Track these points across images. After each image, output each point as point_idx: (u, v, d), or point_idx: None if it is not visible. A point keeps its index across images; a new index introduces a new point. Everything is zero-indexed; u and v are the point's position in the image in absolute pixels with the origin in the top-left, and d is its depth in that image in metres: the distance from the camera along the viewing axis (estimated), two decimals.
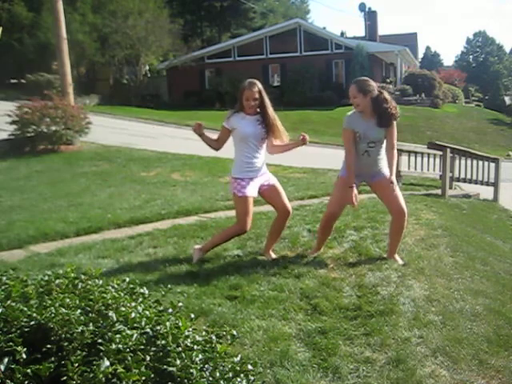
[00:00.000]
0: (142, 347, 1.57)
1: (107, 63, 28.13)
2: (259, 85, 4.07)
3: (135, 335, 1.57)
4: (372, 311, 3.27)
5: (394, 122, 4.10)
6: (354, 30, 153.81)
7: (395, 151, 4.15)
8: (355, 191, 4.09)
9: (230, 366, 1.66)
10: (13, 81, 25.75)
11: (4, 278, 1.92)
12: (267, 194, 4.28)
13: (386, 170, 4.21)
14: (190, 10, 37.86)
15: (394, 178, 4.09)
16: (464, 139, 22.50)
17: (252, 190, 4.11)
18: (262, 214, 5.86)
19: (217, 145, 4.23)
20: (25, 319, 1.61)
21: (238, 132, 4.08)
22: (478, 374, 2.66)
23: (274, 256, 4.36)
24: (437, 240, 5.01)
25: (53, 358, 1.50)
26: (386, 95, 4.07)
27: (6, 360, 1.43)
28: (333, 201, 4.33)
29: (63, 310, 1.63)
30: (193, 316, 1.92)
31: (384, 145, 4.16)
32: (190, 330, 1.71)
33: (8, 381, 1.40)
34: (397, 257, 4.29)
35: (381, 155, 4.19)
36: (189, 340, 1.66)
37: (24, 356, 1.46)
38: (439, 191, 8.68)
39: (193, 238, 5.01)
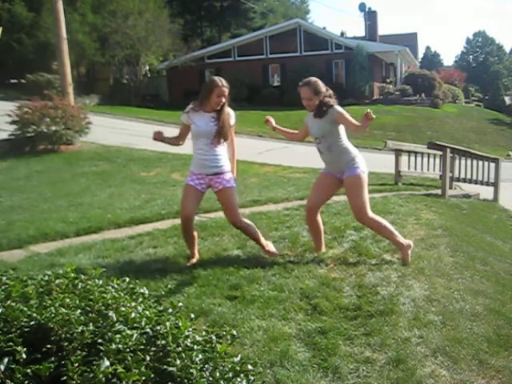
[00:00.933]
0: (142, 347, 1.57)
1: (107, 63, 28.12)
2: (227, 84, 4.12)
3: (135, 335, 1.57)
4: (372, 311, 3.27)
5: (336, 109, 4.02)
6: (354, 30, 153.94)
7: (356, 127, 3.95)
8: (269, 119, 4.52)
9: (230, 366, 1.66)
10: (13, 81, 25.74)
11: (4, 278, 1.92)
12: (218, 198, 4.26)
13: (350, 169, 4.12)
14: (190, 10, 37.84)
15: (356, 177, 4.09)
16: (464, 139, 22.49)
17: (196, 182, 4.14)
18: (262, 214, 5.86)
19: (178, 141, 4.32)
20: (25, 319, 1.61)
21: (192, 128, 4.14)
22: (478, 374, 2.66)
23: (270, 249, 4.35)
24: (437, 240, 5.01)
25: (53, 358, 1.50)
26: (330, 92, 4.18)
27: (5, 360, 1.43)
28: (310, 193, 4.51)
29: (63, 310, 1.62)
30: (193, 316, 1.92)
31: (339, 141, 4.09)
32: (190, 330, 1.71)
33: (8, 381, 1.40)
34: (405, 251, 4.21)
35: (334, 152, 4.12)
36: (189, 340, 1.66)
37: (24, 356, 1.46)
38: (439, 191, 8.68)
39: None
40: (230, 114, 4.15)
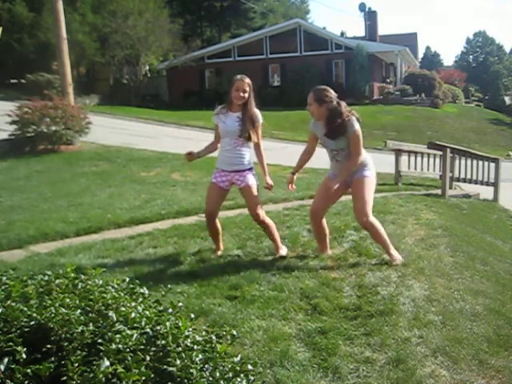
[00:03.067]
0: (142, 347, 1.57)
1: (107, 63, 28.12)
2: (249, 81, 4.25)
3: (135, 335, 1.57)
4: (372, 311, 3.27)
5: (351, 133, 3.98)
6: (354, 30, 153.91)
7: (357, 160, 4.04)
8: (290, 176, 4.40)
9: (230, 366, 1.66)
10: (13, 81, 25.74)
11: (4, 278, 1.92)
12: (241, 194, 4.41)
13: (362, 172, 4.13)
14: (190, 10, 37.85)
15: (366, 177, 4.09)
16: (464, 139, 22.49)
17: (219, 181, 4.32)
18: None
19: (215, 145, 4.49)
20: (25, 319, 1.60)
21: (220, 127, 4.30)
22: (478, 374, 2.66)
23: (282, 253, 4.36)
24: (437, 240, 5.01)
25: (53, 358, 1.50)
26: (343, 108, 4.03)
27: (5, 360, 1.43)
28: (314, 197, 4.47)
29: (63, 310, 1.62)
30: (193, 316, 1.92)
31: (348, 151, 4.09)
32: (190, 330, 1.71)
33: (8, 381, 1.40)
34: (393, 256, 4.16)
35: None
36: (189, 340, 1.66)
37: (24, 356, 1.46)
38: (439, 191, 8.68)
39: (193, 237, 5.01)
40: (256, 115, 4.25)
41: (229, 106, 4.27)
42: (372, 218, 4.12)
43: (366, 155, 4.19)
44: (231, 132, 4.22)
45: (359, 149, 4.04)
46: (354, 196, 4.19)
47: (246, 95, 4.17)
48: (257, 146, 4.35)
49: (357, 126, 3.99)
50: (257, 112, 4.26)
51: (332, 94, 4.07)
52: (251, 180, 4.29)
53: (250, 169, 4.33)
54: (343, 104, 4.07)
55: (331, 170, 4.33)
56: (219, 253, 4.44)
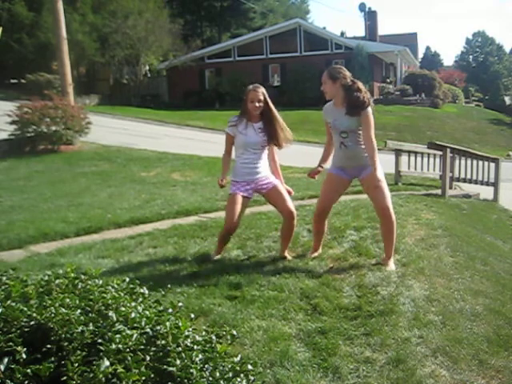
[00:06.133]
0: (142, 347, 1.57)
1: (107, 63, 28.12)
2: (263, 89, 4.19)
3: (135, 335, 1.57)
4: (372, 311, 3.27)
5: (368, 112, 3.97)
6: (354, 30, 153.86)
7: (373, 143, 3.97)
8: (319, 169, 4.25)
9: (229, 366, 1.66)
10: (13, 81, 25.77)
11: (4, 278, 1.92)
12: (270, 197, 4.31)
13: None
14: (190, 10, 37.86)
15: (378, 173, 3.96)
16: (464, 139, 22.49)
17: (242, 190, 4.18)
18: (262, 214, 5.86)
19: (229, 157, 4.34)
20: (25, 319, 1.61)
21: (239, 139, 4.18)
22: (478, 374, 2.66)
23: (289, 257, 4.35)
24: (437, 240, 5.01)
25: (53, 358, 1.50)
26: (360, 85, 4.03)
27: (5, 360, 1.43)
28: (319, 198, 4.36)
29: (63, 310, 1.62)
30: (193, 316, 1.92)
31: (358, 138, 4.04)
32: (190, 330, 1.71)
33: (8, 381, 1.40)
34: (390, 262, 4.14)
35: (360, 147, 4.05)
36: (189, 340, 1.66)
37: (24, 356, 1.46)
38: (439, 191, 8.67)
39: (193, 237, 5.01)
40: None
41: (248, 117, 4.16)
42: (392, 211, 4.12)
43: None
44: (254, 143, 4.16)
45: (372, 132, 3.98)
46: (372, 190, 4.07)
47: (262, 104, 4.12)
48: (273, 153, 4.36)
49: (370, 111, 4.00)
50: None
51: (346, 72, 4.07)
52: (274, 179, 4.29)
53: (270, 173, 4.34)
54: (359, 82, 4.06)
55: (334, 164, 4.22)
56: (218, 256, 4.38)
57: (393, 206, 5.37)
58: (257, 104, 4.09)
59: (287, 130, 4.27)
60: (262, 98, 4.11)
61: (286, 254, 4.36)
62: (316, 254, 4.36)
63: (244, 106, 4.16)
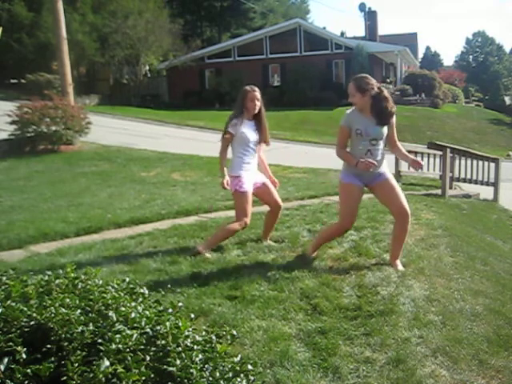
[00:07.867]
0: (142, 347, 1.57)
1: (107, 63, 28.13)
2: (258, 89, 4.52)
3: (135, 335, 1.57)
4: (372, 311, 3.27)
5: (394, 119, 4.08)
6: (354, 30, 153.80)
7: (400, 145, 4.24)
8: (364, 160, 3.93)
9: (229, 366, 1.66)
10: (13, 81, 25.77)
11: (4, 278, 1.92)
12: (260, 192, 4.61)
13: (386, 172, 4.12)
14: (190, 9, 37.88)
15: (390, 176, 4.11)
16: (464, 139, 22.49)
17: (250, 186, 4.47)
18: (262, 214, 5.84)
19: (226, 155, 4.57)
20: (25, 319, 1.61)
21: (241, 136, 4.41)
22: (478, 374, 2.66)
23: (271, 242, 4.72)
24: (437, 240, 5.01)
25: (53, 358, 1.50)
26: (386, 93, 3.98)
27: (5, 360, 1.43)
28: (344, 212, 4.14)
29: (63, 310, 1.62)
30: (193, 316, 1.92)
31: (382, 145, 4.08)
32: (190, 330, 1.71)
33: (8, 381, 1.40)
34: (398, 263, 4.13)
35: (382, 155, 4.07)
36: (189, 340, 1.66)
37: (24, 356, 1.46)
38: (439, 191, 8.67)
39: (193, 237, 5.01)
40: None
41: (243, 115, 4.43)
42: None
43: None
44: (254, 140, 4.45)
45: (395, 136, 4.17)
46: (390, 195, 4.08)
47: (260, 103, 4.43)
48: (260, 150, 4.65)
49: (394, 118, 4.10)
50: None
51: (373, 80, 4.00)
52: (263, 177, 4.65)
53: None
54: (385, 90, 4.03)
55: (351, 171, 4.06)
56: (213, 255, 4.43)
57: None
58: (257, 103, 4.40)
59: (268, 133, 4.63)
60: (259, 97, 4.43)
61: (268, 239, 4.76)
62: (314, 255, 4.36)
63: (242, 105, 4.42)
